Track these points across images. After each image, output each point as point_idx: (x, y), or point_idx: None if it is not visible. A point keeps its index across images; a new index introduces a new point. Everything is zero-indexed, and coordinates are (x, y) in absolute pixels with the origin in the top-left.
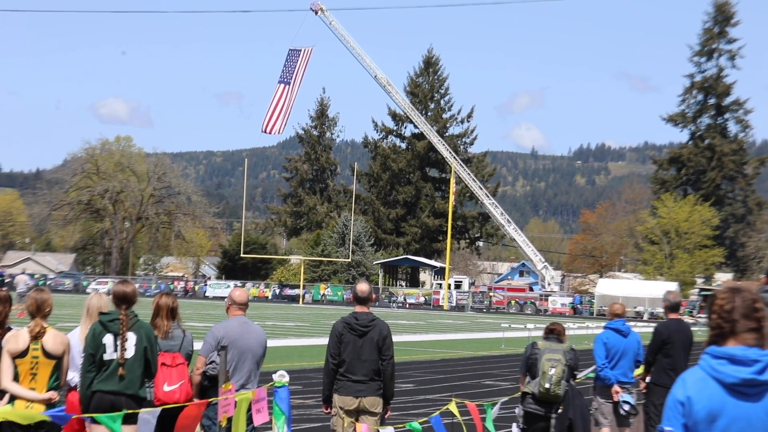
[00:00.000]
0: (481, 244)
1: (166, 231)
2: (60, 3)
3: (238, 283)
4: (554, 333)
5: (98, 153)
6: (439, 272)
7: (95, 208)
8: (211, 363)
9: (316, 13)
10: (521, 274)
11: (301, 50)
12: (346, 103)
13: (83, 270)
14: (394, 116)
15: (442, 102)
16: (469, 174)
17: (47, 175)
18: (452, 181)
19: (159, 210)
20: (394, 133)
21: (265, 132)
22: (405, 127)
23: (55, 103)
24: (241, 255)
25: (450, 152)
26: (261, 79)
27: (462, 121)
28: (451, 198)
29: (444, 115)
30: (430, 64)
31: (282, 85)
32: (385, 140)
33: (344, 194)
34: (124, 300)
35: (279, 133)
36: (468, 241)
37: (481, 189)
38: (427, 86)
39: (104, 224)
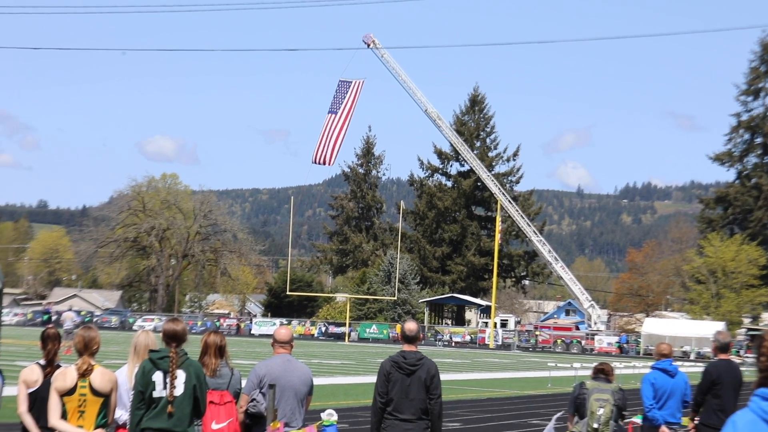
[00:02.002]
0: (527, 282)
1: (212, 268)
2: (106, 41)
3: (284, 320)
4: (603, 373)
5: (144, 190)
6: (485, 311)
7: (141, 246)
8: (252, 401)
9: (369, 46)
10: (567, 312)
11: (351, 82)
12: (392, 142)
13: (129, 307)
14: (440, 154)
15: (488, 140)
16: (517, 210)
17: (94, 213)
18: (498, 218)
19: (205, 247)
20: (440, 171)
21: (316, 163)
22: (451, 166)
23: (101, 140)
24: (287, 292)
25: (498, 187)
26: (307, 116)
27: (508, 160)
28: (497, 236)
29: (490, 154)
30: (476, 102)
31: (331, 115)
32: (430, 178)
33: (390, 232)
34: (174, 338)
35: (330, 164)
36: (514, 279)
37: (528, 225)
38: (473, 124)
39: (150, 261)
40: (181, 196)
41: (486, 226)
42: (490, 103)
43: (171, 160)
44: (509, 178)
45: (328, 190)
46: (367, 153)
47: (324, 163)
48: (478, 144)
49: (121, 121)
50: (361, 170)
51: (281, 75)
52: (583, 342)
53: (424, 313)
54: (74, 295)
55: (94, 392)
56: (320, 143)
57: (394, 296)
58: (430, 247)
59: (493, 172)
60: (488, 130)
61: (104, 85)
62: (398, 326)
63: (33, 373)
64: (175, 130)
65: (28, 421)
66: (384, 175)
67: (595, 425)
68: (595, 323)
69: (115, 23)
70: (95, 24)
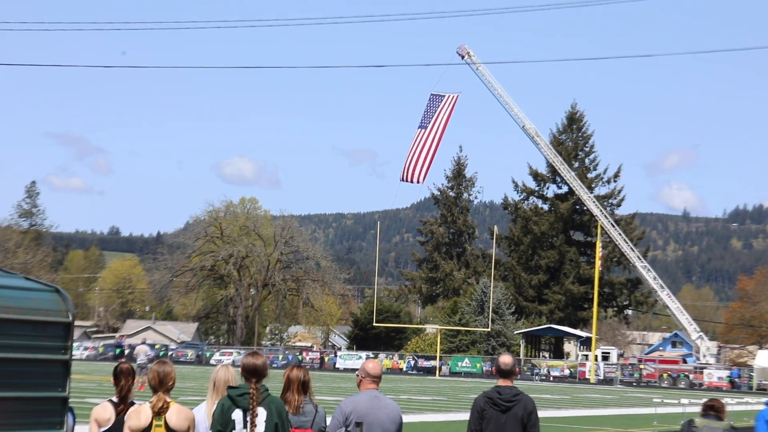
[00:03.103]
0: (630, 312)
1: (293, 298)
2: (180, 59)
3: (371, 353)
4: (713, 410)
5: (222, 216)
6: (585, 343)
7: (219, 274)
8: None
9: (463, 58)
10: (674, 344)
11: (444, 96)
12: (484, 163)
13: (206, 340)
14: (535, 176)
15: (586, 161)
16: (620, 233)
17: (168, 240)
18: (598, 243)
19: (286, 276)
20: (536, 194)
21: (404, 180)
22: (547, 188)
23: (177, 162)
24: (374, 324)
25: (600, 209)
26: (395, 136)
27: (608, 181)
28: (598, 262)
29: (589, 175)
30: (573, 121)
31: (421, 130)
32: (526, 201)
33: (483, 259)
34: (254, 373)
35: (420, 182)
36: (616, 309)
37: (632, 250)
38: (571, 144)
39: (228, 291)
40: (260, 221)
41: (585, 252)
42: (589, 121)
43: (250, 184)
44: (610, 201)
45: (417, 214)
46: (458, 175)
47: (413, 181)
48: (576, 165)
49: (197, 142)
50: (451, 193)
51: (367, 92)
52: (691, 376)
53: (519, 346)
54: (148, 328)
55: (170, 431)
56: (409, 159)
57: (488, 327)
58: (526, 275)
59: (592, 195)
60: (587, 149)
61: (180, 104)
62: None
63: (105, 411)
64: (254, 152)
65: None
66: (476, 198)
67: None
68: (704, 356)
69: (190, 39)
70: (170, 40)
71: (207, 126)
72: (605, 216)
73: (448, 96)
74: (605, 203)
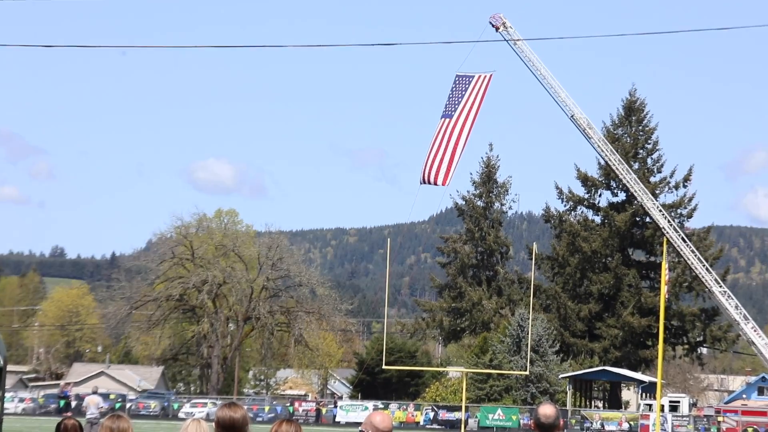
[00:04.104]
0: (704, 350)
1: (283, 335)
2: (138, 36)
3: (379, 404)
4: None
5: (193, 232)
6: (648, 389)
7: (189, 306)
8: None
9: (497, 29)
10: (761, 391)
11: (473, 77)
12: (520, 164)
13: (174, 388)
14: (584, 180)
15: (648, 161)
16: (692, 251)
17: (126, 263)
18: (664, 264)
19: (274, 307)
20: (586, 202)
21: (425, 182)
22: (599, 195)
23: (135, 166)
24: (383, 366)
25: (668, 220)
26: (409, 131)
27: (676, 187)
28: (663, 288)
29: (651, 179)
30: (632, 111)
31: (445, 120)
32: (573, 212)
33: (519, 285)
34: (231, 428)
35: (444, 184)
36: (687, 346)
37: (708, 273)
38: (629, 140)
39: (201, 327)
40: (241, 239)
41: (648, 275)
42: (652, 112)
43: (228, 192)
44: (678, 211)
45: (437, 229)
46: (488, 179)
47: (435, 183)
48: (636, 166)
49: (162, 140)
50: (479, 202)
51: (374, 77)
52: None
53: (565, 393)
54: (100, 373)
55: None
56: (431, 156)
57: (526, 370)
58: (573, 304)
59: (658, 203)
60: (649, 147)
61: (140, 93)
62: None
63: None
64: (233, 152)
65: None
66: (510, 208)
67: None
68: None
69: (151, 10)
70: (121, 18)
71: (174, 119)
72: (674, 229)
73: (479, 77)
74: (673, 214)
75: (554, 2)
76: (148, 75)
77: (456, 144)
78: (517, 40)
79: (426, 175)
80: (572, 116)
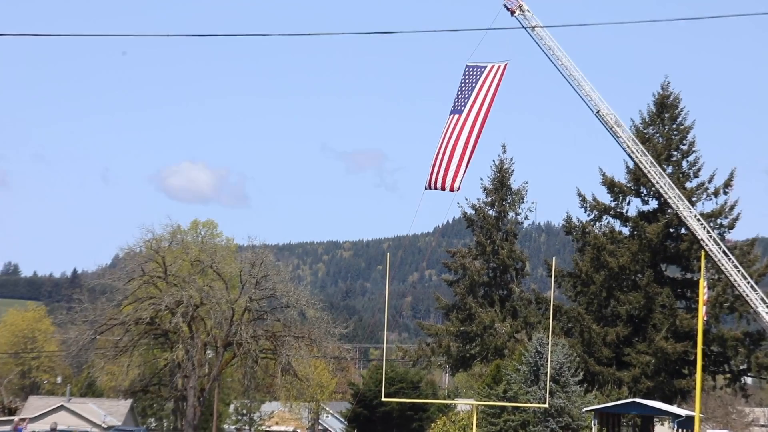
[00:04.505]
0: (749, 380)
1: (268, 363)
2: (106, 24)
3: None
4: None
5: (166, 247)
6: (685, 424)
7: (162, 330)
8: None
9: (513, 13)
10: None
11: (485, 67)
12: (537, 169)
13: (144, 424)
14: (610, 186)
15: (684, 164)
16: (735, 267)
17: (89, 281)
18: (702, 281)
19: (258, 332)
20: (612, 211)
21: (432, 188)
22: (628, 203)
23: (101, 171)
24: (382, 399)
25: (708, 232)
26: (411, 131)
27: (715, 193)
28: (701, 309)
29: (687, 184)
30: (665, 107)
31: (454, 117)
32: (597, 223)
33: (537, 305)
34: None
35: (453, 189)
36: (729, 375)
37: (753, 291)
38: (661, 140)
39: (176, 354)
40: (221, 254)
41: (684, 293)
42: (688, 108)
43: (206, 201)
44: (718, 222)
45: (443, 242)
46: (501, 186)
47: (444, 188)
48: (669, 170)
49: (130, 141)
50: (491, 211)
51: (370, 70)
52: None
53: (590, 429)
54: (60, 407)
55: None
56: (438, 157)
57: (545, 403)
58: (599, 328)
59: (695, 211)
60: (684, 148)
61: (105, 89)
62: None
63: None
64: (211, 155)
65: None
66: (526, 218)
67: None
68: None
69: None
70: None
71: (143, 118)
72: (713, 241)
73: (492, 67)
74: (712, 224)
75: None
76: (112, 68)
77: (467, 143)
78: (535, 26)
79: (433, 180)
80: (598, 112)
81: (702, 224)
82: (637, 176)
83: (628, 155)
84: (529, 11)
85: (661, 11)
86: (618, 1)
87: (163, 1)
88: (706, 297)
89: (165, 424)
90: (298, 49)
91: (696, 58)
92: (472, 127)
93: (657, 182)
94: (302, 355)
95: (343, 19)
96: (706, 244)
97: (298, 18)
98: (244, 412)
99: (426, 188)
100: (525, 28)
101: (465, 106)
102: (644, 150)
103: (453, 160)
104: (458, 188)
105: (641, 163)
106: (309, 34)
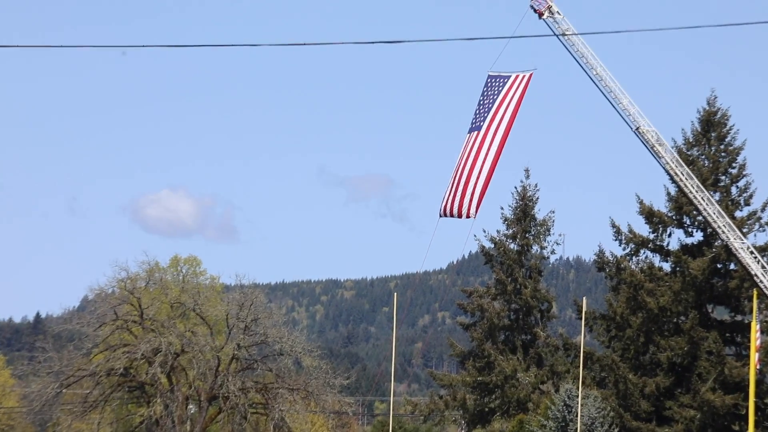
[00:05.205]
0: None
1: (259, 419)
2: (80, 34)
3: None
4: None
5: (142, 287)
6: None
7: (137, 382)
8: None
9: (541, 16)
10: None
11: (509, 77)
12: (565, 196)
13: None
14: (649, 216)
15: (733, 190)
16: None
17: (54, 327)
18: (754, 324)
19: (247, 383)
20: (651, 245)
21: (447, 215)
22: (669, 235)
23: (67, 200)
24: None
25: (761, 264)
26: (421, 152)
27: None
28: (754, 356)
29: (737, 213)
30: (711, 126)
31: (473, 135)
32: (634, 257)
33: (565, 352)
34: None
35: (470, 216)
36: None
37: None
38: (707, 163)
39: (153, 409)
40: (205, 295)
41: (733, 338)
42: (737, 126)
43: (189, 234)
44: None
45: (458, 280)
46: (524, 216)
47: (460, 216)
48: (716, 197)
49: (101, 166)
50: (513, 245)
51: (375, 84)
52: None
53: None
54: None
55: None
56: (455, 182)
57: None
58: (636, 378)
59: (746, 243)
60: (733, 172)
61: (74, 104)
62: None
63: None
64: (194, 182)
65: None
66: (553, 253)
67: None
68: None
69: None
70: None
71: (116, 140)
72: None
73: (516, 77)
74: (766, 259)
75: None
76: (80, 84)
77: (483, 164)
78: (567, 33)
79: (448, 206)
80: (637, 129)
81: (756, 257)
82: (680, 204)
83: (671, 178)
84: (559, 13)
85: (706, 15)
86: (656, 4)
87: (144, 5)
88: (758, 342)
89: None
90: (293, 59)
91: (747, 69)
92: (490, 145)
93: (704, 209)
94: (298, 410)
95: (343, 26)
96: (761, 281)
97: (293, 24)
98: None
99: (440, 216)
100: (557, 36)
101: (484, 122)
102: (690, 173)
103: (470, 183)
104: (475, 216)
105: (686, 187)
106: (304, 44)
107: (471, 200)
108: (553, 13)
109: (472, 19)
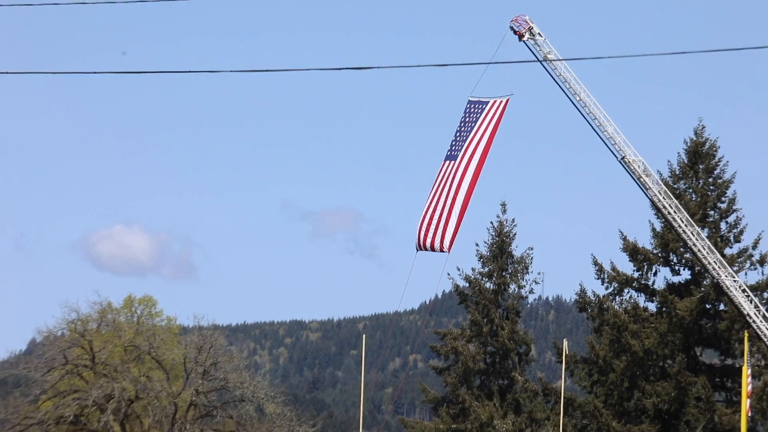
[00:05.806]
0: None
1: None
2: (32, 60)
3: None
4: None
5: (94, 329)
6: None
7: (89, 431)
8: None
9: (521, 37)
10: None
11: (487, 103)
12: (544, 232)
13: None
14: (633, 253)
15: (722, 226)
16: None
17: (1, 371)
18: (745, 369)
19: (206, 431)
20: (636, 283)
21: (422, 248)
22: (655, 274)
23: (14, 237)
24: None
25: (755, 304)
26: (391, 185)
27: (761, 262)
28: (745, 402)
29: (727, 251)
30: (698, 157)
31: (448, 164)
32: (618, 297)
33: (544, 398)
34: None
35: (444, 249)
36: None
37: None
38: (695, 197)
39: None
40: (161, 337)
41: (723, 383)
42: (727, 158)
43: (144, 273)
44: (765, 296)
45: (432, 320)
46: (501, 252)
47: (434, 249)
48: (704, 233)
49: (51, 200)
50: (489, 284)
51: (344, 111)
52: None
53: None
54: None
55: None
56: (428, 212)
57: None
58: (620, 426)
59: (738, 282)
60: (722, 207)
61: (21, 135)
62: None
63: None
64: (149, 217)
65: None
66: (531, 292)
67: None
68: None
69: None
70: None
71: (68, 172)
72: (763, 318)
73: (494, 103)
74: (757, 299)
75: (588, 7)
76: (28, 108)
77: (456, 194)
78: (549, 56)
79: (422, 239)
80: (622, 158)
81: (749, 297)
82: (666, 240)
83: (658, 212)
84: (540, 35)
85: (693, 41)
86: (641, 28)
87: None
88: (750, 388)
89: None
90: (252, 86)
91: (736, 98)
92: (463, 174)
93: (694, 245)
94: None
95: (311, 52)
96: (754, 321)
97: (255, 48)
98: None
99: (417, 249)
100: (539, 60)
101: (461, 150)
102: (678, 205)
103: (443, 215)
104: (449, 250)
105: (675, 221)
106: (267, 71)
107: (444, 233)
108: (534, 35)
109: (448, 44)
